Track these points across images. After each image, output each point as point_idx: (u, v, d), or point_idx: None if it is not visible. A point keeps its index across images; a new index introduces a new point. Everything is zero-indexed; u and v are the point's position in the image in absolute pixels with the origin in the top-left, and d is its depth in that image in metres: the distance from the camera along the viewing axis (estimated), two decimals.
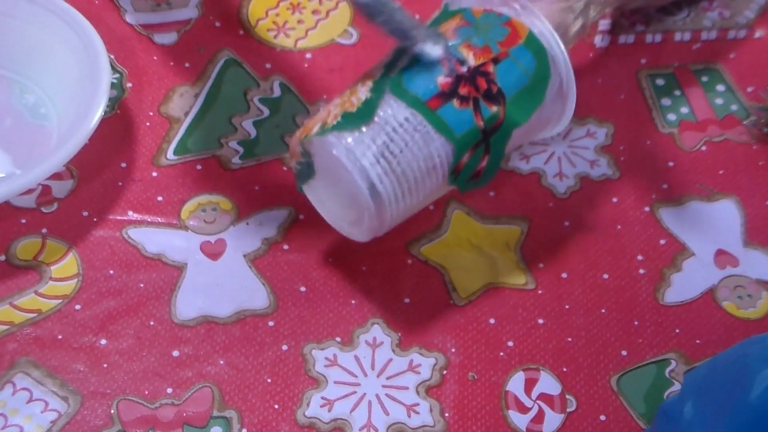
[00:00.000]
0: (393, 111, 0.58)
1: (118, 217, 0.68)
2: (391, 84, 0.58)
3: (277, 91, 0.74)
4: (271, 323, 0.65)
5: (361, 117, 0.58)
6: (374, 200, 0.58)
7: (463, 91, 0.58)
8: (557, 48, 0.60)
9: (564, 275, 0.67)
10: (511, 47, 0.59)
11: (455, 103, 0.58)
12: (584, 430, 0.61)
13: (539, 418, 0.62)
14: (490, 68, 0.58)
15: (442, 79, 0.58)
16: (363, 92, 0.59)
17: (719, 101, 0.75)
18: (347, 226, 0.62)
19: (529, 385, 0.63)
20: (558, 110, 0.62)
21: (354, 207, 0.60)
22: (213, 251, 0.67)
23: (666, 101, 0.75)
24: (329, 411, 0.61)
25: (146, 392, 0.62)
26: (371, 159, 0.57)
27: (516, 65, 0.59)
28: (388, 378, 0.63)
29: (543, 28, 0.60)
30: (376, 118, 0.57)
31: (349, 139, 0.57)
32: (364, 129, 0.57)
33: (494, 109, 0.58)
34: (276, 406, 0.61)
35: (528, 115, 0.59)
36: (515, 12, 0.60)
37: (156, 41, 0.76)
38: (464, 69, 0.58)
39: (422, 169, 0.58)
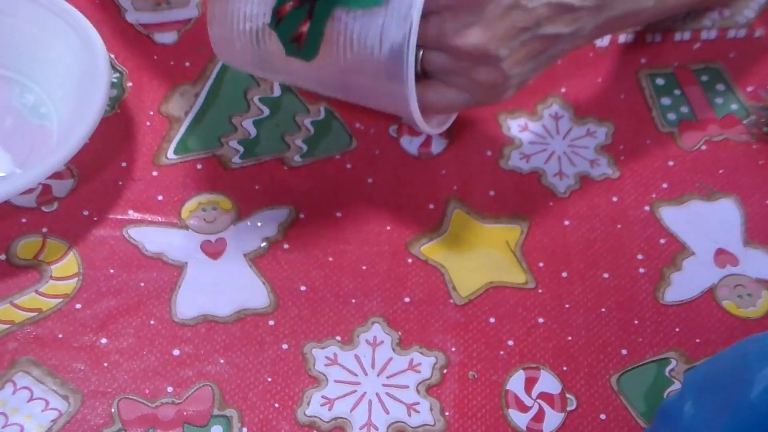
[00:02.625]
0: None
1: (119, 217, 0.68)
2: None
3: (277, 91, 0.74)
4: (271, 322, 0.65)
5: None
6: None
7: None
8: None
9: (564, 274, 0.67)
10: None
11: None
12: (584, 429, 0.61)
13: (539, 417, 0.62)
14: None
15: None
16: None
17: (719, 100, 0.75)
18: None
19: (530, 384, 0.63)
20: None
21: None
22: (213, 250, 0.67)
23: (666, 101, 0.75)
24: (329, 410, 0.61)
25: (147, 391, 0.62)
26: None
27: None
28: (388, 377, 0.63)
29: None
30: None
31: None
32: None
33: None
34: (276, 405, 0.62)
35: (357, 4, 0.58)
36: None
37: (156, 40, 0.76)
38: None
39: None
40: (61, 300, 0.65)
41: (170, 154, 0.71)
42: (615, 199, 0.70)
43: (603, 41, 0.77)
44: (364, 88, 0.61)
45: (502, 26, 0.57)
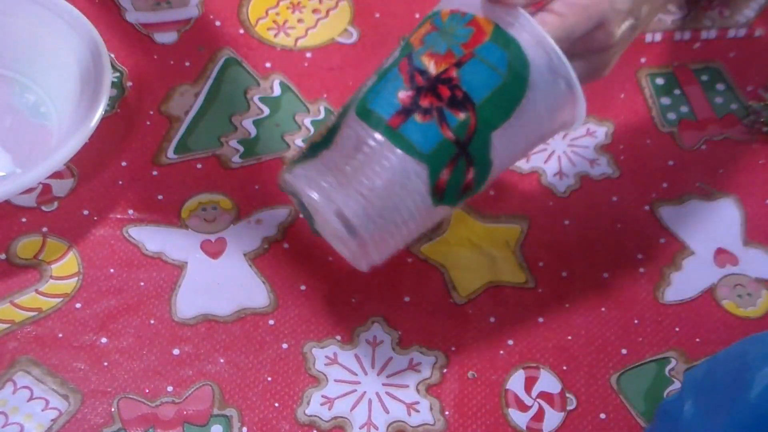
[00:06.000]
0: (357, 134, 0.54)
1: (119, 216, 0.68)
2: (357, 105, 0.54)
3: (277, 90, 0.74)
4: (271, 322, 0.65)
5: (324, 144, 0.55)
6: (346, 228, 0.54)
7: (424, 102, 0.53)
8: (537, 31, 0.54)
9: (564, 274, 0.67)
10: (476, 46, 0.54)
11: (417, 117, 0.53)
12: (584, 429, 0.61)
13: (539, 416, 0.62)
14: (453, 73, 0.53)
15: (402, 94, 0.54)
16: (333, 119, 0.56)
17: (719, 100, 0.75)
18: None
19: (529, 383, 0.63)
20: (564, 95, 0.56)
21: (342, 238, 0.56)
22: (213, 250, 0.67)
23: (666, 100, 0.75)
24: (329, 409, 0.61)
25: (147, 390, 0.62)
26: (334, 185, 0.54)
27: (483, 64, 0.53)
28: (388, 376, 0.63)
29: (522, 19, 0.54)
30: (339, 143, 0.54)
31: (312, 170, 0.54)
32: (326, 155, 0.54)
33: (462, 116, 0.53)
34: (276, 405, 0.62)
35: (507, 113, 0.54)
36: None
37: (156, 40, 0.76)
38: (424, 79, 0.54)
39: (397, 194, 0.54)
40: (61, 299, 0.65)
41: (170, 153, 0.71)
42: (615, 199, 0.70)
43: None
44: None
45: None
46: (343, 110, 0.56)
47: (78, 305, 0.65)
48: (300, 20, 0.78)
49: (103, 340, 0.63)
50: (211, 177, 0.70)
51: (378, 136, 0.54)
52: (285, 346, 0.64)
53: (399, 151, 0.53)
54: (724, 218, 0.70)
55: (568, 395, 0.63)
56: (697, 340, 0.65)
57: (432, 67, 0.54)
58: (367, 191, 0.54)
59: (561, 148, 0.72)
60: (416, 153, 0.53)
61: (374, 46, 0.77)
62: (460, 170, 0.55)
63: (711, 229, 0.69)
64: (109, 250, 0.67)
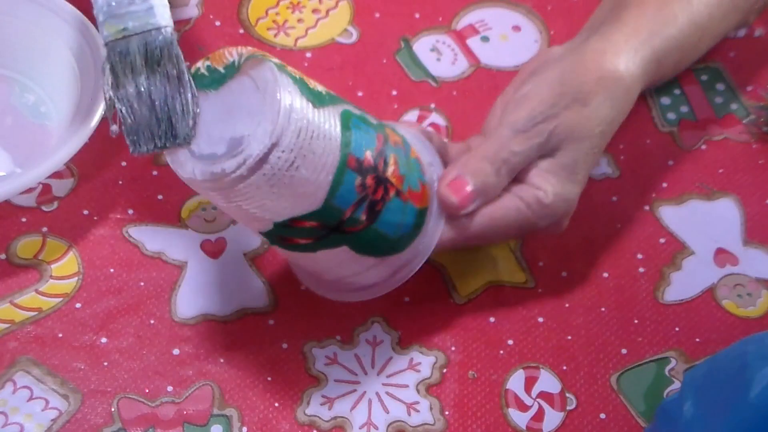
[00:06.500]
0: (329, 116, 0.54)
1: (119, 216, 0.68)
2: (344, 111, 0.55)
3: None
4: (271, 322, 0.65)
5: (306, 87, 0.54)
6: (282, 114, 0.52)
7: (369, 180, 0.56)
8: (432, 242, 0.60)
9: (564, 274, 0.67)
10: (412, 202, 0.58)
11: (357, 181, 0.55)
12: (584, 429, 0.61)
13: (539, 416, 0.62)
14: (392, 193, 0.57)
15: (369, 154, 0.56)
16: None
17: (719, 100, 0.75)
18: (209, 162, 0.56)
19: (529, 383, 0.63)
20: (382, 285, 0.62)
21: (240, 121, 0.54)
22: (213, 250, 0.67)
23: (665, 100, 0.75)
24: (329, 409, 0.61)
25: (146, 390, 0.62)
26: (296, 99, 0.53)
27: (401, 214, 0.58)
28: (388, 376, 0.63)
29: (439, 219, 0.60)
30: (312, 101, 0.54)
31: (289, 88, 0.53)
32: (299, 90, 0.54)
33: (363, 218, 0.56)
34: (276, 405, 0.62)
35: (369, 253, 0.58)
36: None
37: None
38: (383, 169, 0.56)
39: (304, 176, 0.54)
40: (61, 299, 0.65)
41: None
42: (615, 198, 0.71)
43: None
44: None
45: None
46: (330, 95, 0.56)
47: (78, 305, 0.65)
48: (300, 20, 0.78)
49: (103, 340, 0.63)
50: None
51: (336, 141, 0.54)
52: (285, 346, 0.64)
53: (332, 175, 0.54)
54: (724, 218, 0.70)
55: (568, 395, 0.63)
56: (697, 340, 0.65)
57: (390, 169, 0.57)
58: (305, 130, 0.53)
59: None
60: (332, 192, 0.54)
61: (374, 46, 0.77)
62: (308, 232, 0.56)
63: (711, 229, 0.69)
64: (109, 250, 0.67)
